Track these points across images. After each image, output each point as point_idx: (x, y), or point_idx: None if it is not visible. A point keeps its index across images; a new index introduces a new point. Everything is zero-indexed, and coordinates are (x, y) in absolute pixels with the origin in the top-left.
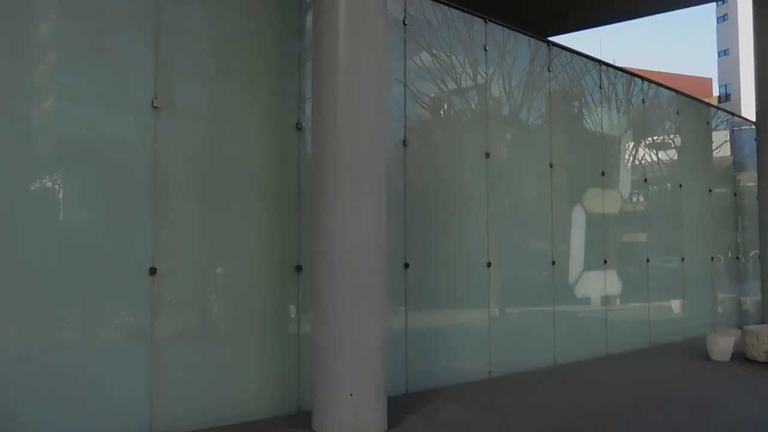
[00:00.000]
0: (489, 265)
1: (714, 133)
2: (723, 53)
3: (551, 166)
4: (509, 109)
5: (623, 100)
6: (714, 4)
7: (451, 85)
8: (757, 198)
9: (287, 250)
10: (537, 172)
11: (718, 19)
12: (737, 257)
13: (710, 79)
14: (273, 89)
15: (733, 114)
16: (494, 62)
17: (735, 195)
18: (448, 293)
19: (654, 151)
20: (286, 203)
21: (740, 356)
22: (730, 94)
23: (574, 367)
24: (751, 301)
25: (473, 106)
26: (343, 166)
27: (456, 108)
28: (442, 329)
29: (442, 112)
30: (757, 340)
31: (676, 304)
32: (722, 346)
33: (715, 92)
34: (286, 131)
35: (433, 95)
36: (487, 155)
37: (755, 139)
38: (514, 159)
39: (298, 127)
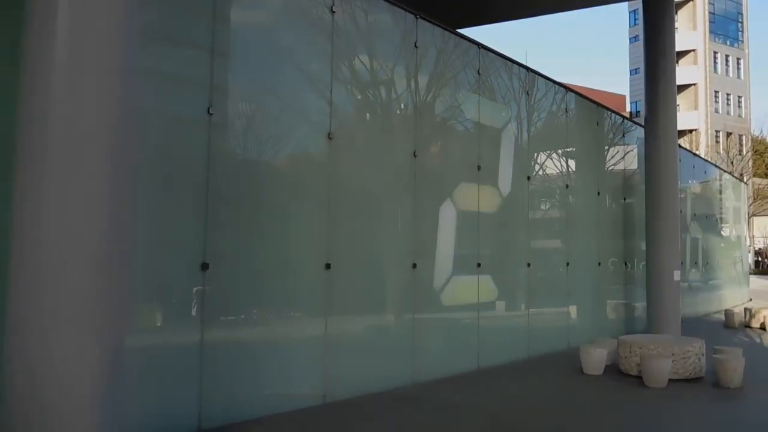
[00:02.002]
0: (328, 267)
1: (623, 147)
2: (634, 71)
3: (415, 155)
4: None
5: (505, 91)
6: (627, 26)
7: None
8: (645, 203)
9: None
10: (397, 162)
11: (630, 39)
12: (625, 263)
13: (624, 96)
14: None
15: (623, 117)
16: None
17: (624, 200)
18: (268, 300)
19: (540, 146)
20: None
21: (615, 369)
22: (639, 111)
23: (435, 386)
24: (643, 307)
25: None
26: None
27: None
28: (259, 345)
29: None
30: (630, 352)
31: (562, 311)
32: (595, 358)
33: (628, 108)
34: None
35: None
36: (329, 135)
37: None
38: (372, 147)
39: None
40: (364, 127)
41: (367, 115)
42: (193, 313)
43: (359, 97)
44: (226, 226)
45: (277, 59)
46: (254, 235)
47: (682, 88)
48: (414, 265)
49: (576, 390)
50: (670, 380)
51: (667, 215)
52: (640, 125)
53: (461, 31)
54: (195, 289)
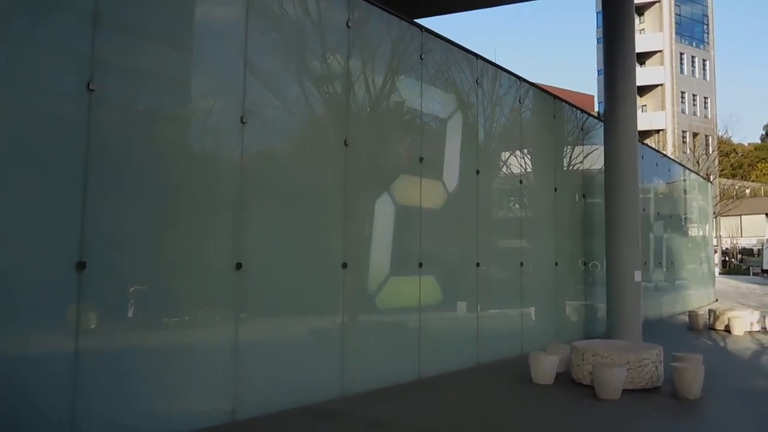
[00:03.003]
0: (239, 266)
1: (584, 143)
2: (602, 72)
3: (346, 144)
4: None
5: (452, 79)
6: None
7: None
8: (605, 201)
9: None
10: (325, 151)
11: (598, 39)
12: (584, 263)
13: (593, 96)
14: None
15: (583, 111)
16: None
17: (584, 197)
18: (164, 303)
19: (492, 139)
20: None
21: (568, 377)
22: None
23: (366, 399)
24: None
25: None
26: None
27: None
28: (153, 354)
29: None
30: (583, 359)
31: (515, 315)
32: (545, 366)
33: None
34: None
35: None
36: (242, 119)
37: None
38: (294, 133)
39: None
40: (284, 110)
41: (288, 96)
42: (68, 320)
43: (278, 76)
44: (108, 218)
45: (186, 36)
46: (145, 230)
47: (649, 88)
48: (344, 265)
49: (520, 402)
50: (624, 390)
51: (627, 214)
52: (601, 120)
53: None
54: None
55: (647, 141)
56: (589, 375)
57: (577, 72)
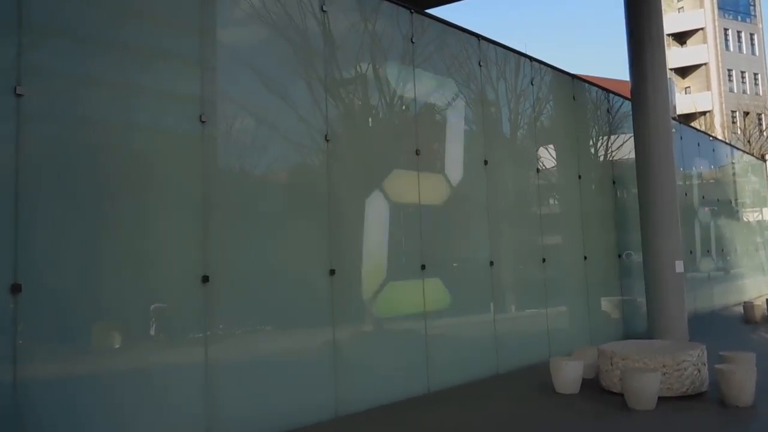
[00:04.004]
0: (206, 280)
1: (618, 129)
2: None
3: (327, 139)
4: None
5: (450, 63)
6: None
7: None
8: (638, 187)
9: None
10: (303, 148)
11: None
12: (619, 256)
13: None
14: None
15: (609, 91)
16: None
17: (614, 183)
18: (121, 322)
19: (500, 126)
20: None
21: (595, 385)
22: None
23: (364, 419)
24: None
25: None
26: None
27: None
28: (109, 377)
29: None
30: (611, 364)
31: (540, 316)
32: (567, 374)
33: None
34: None
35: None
36: (201, 118)
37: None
38: (264, 129)
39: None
40: (252, 105)
41: (257, 87)
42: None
43: (246, 65)
44: (46, 232)
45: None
46: (86, 242)
47: (692, 69)
48: (332, 272)
49: (536, 416)
50: (661, 399)
51: (663, 200)
52: (628, 99)
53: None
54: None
55: (694, 124)
56: (620, 382)
57: (617, 61)
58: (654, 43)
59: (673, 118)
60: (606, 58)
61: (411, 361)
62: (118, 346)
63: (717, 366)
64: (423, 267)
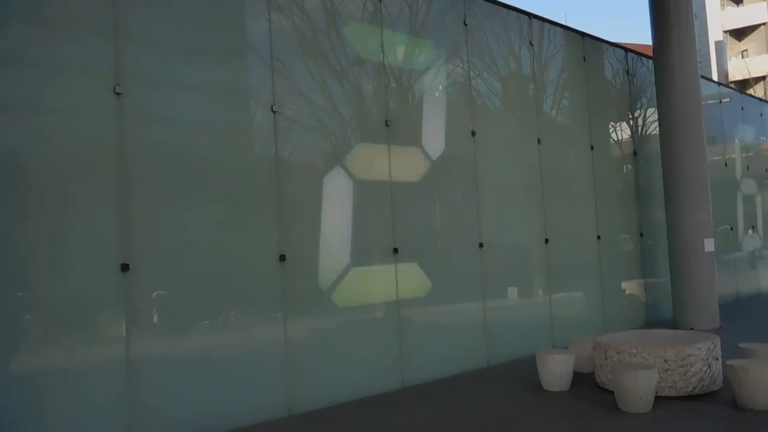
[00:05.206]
0: (125, 268)
1: (639, 93)
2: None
3: (273, 111)
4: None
5: (423, 21)
6: None
7: None
8: (661, 156)
9: None
10: (243, 119)
11: None
12: (641, 234)
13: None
14: None
15: (628, 49)
16: None
17: (635, 154)
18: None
19: (490, 91)
20: None
21: (590, 381)
22: (700, 62)
23: (319, 419)
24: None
25: None
26: None
27: None
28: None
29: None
30: (605, 358)
31: (540, 303)
32: (555, 369)
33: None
34: None
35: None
36: (115, 89)
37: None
38: (192, 100)
39: None
40: (180, 71)
41: (185, 55)
42: None
43: (161, 35)
44: None
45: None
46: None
47: (749, 30)
48: (282, 257)
49: (510, 418)
50: (663, 398)
51: (692, 171)
52: (632, 50)
53: None
54: None
55: (751, 90)
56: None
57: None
58: None
59: (726, 85)
60: (625, 23)
61: (381, 355)
62: (40, 342)
63: (729, 361)
64: (395, 251)
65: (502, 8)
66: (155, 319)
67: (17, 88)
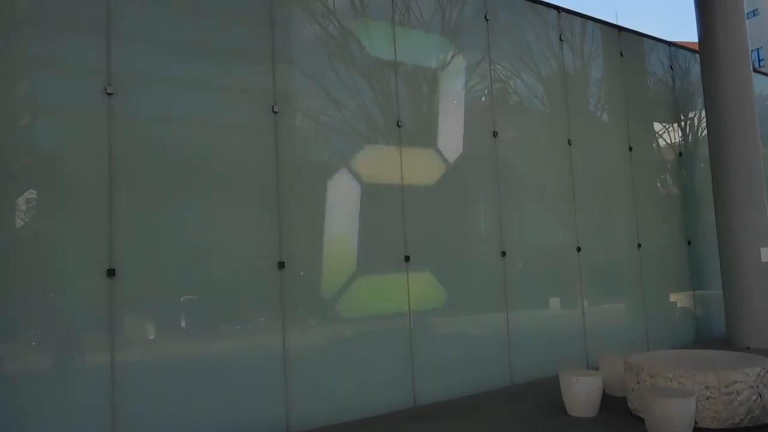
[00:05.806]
0: (111, 273)
1: (685, 89)
2: (751, 14)
3: (275, 111)
4: None
5: (440, 17)
6: None
7: None
8: (710, 157)
9: None
10: (244, 118)
11: None
12: (688, 242)
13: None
14: None
15: (671, 44)
16: None
17: (680, 155)
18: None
19: (513, 90)
20: None
21: (622, 406)
22: (762, 59)
23: None
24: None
25: None
26: None
27: None
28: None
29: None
30: (638, 382)
31: (572, 316)
32: (580, 392)
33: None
34: None
35: None
36: (106, 90)
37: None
38: (188, 98)
39: None
40: (176, 70)
41: (182, 52)
42: None
43: (173, 19)
44: None
45: None
46: None
47: None
48: (281, 265)
49: None
50: (704, 430)
51: (745, 172)
52: (679, 46)
53: None
54: None
55: None
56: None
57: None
58: None
59: None
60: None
61: (392, 370)
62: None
63: None
64: (407, 258)
65: (526, 1)
66: (141, 328)
67: (4, 86)
